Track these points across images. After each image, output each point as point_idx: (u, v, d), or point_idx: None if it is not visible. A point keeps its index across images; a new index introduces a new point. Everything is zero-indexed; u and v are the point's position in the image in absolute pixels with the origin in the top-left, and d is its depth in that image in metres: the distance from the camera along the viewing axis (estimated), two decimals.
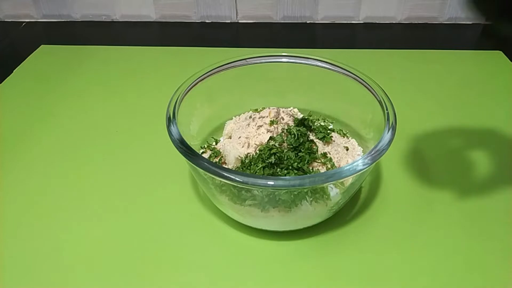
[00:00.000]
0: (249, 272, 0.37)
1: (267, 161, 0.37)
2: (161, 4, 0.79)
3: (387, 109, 0.39)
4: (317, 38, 0.76)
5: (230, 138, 0.42)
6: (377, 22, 0.78)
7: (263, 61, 0.47)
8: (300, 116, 0.44)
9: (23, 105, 0.58)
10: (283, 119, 0.40)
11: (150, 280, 0.36)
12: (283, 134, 0.39)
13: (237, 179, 0.33)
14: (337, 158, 0.40)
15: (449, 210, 0.42)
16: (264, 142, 0.38)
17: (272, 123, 0.40)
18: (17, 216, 0.42)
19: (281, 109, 0.42)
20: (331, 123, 0.46)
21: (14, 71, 0.65)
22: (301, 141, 0.38)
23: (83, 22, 0.81)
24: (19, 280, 0.37)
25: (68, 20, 0.81)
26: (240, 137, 0.40)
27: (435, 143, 0.50)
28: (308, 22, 0.79)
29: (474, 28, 0.76)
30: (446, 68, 0.64)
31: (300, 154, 0.37)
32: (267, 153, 0.37)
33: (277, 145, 0.38)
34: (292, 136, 0.38)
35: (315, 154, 0.38)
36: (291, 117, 0.41)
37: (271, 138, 0.38)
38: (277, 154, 0.37)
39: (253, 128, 0.40)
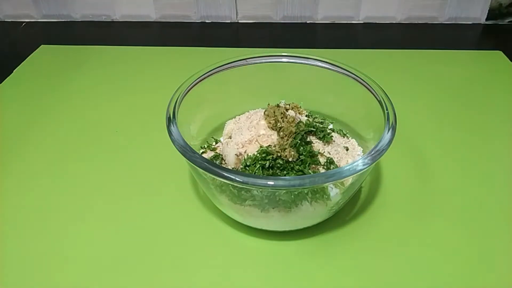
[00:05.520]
0: (249, 272, 0.37)
1: (264, 163, 0.37)
2: (161, 4, 0.79)
3: (387, 109, 0.39)
4: (317, 38, 0.76)
5: (230, 138, 0.42)
6: (377, 22, 0.78)
7: (263, 61, 0.47)
8: (303, 113, 0.44)
9: (23, 105, 0.58)
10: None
11: (150, 280, 0.36)
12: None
13: (237, 179, 0.33)
14: (337, 158, 0.40)
15: (449, 210, 0.42)
16: (264, 143, 0.38)
17: (273, 123, 0.39)
18: (16, 216, 0.42)
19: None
20: (331, 123, 0.46)
21: (14, 71, 0.65)
22: (300, 149, 0.38)
23: (83, 22, 0.81)
24: (19, 280, 0.37)
25: (68, 20, 0.81)
26: (240, 138, 0.40)
27: (435, 143, 0.50)
28: (308, 22, 0.79)
29: (474, 28, 0.76)
30: (446, 68, 0.64)
31: (301, 157, 0.37)
32: (265, 156, 0.37)
33: (278, 150, 0.38)
34: (294, 144, 0.38)
35: (316, 156, 0.38)
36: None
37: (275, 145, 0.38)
38: (276, 160, 0.37)
39: (253, 128, 0.40)
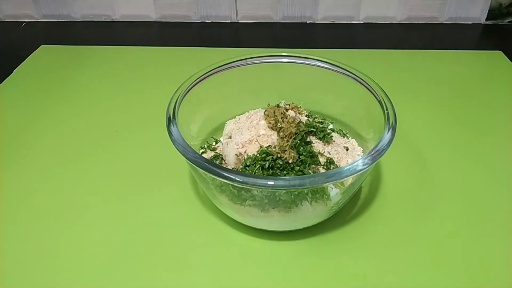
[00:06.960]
0: (249, 272, 0.37)
1: (263, 163, 0.37)
2: (161, 4, 0.79)
3: (387, 109, 0.39)
4: (317, 38, 0.76)
5: (230, 138, 0.42)
6: (377, 22, 0.78)
7: (263, 61, 0.47)
8: (303, 113, 0.44)
9: (23, 105, 0.58)
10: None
11: (150, 280, 0.36)
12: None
13: (237, 179, 0.33)
14: (337, 158, 0.40)
15: (449, 210, 0.42)
16: (264, 143, 0.38)
17: (273, 123, 0.39)
18: (16, 215, 0.42)
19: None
20: (331, 123, 0.46)
21: (14, 71, 0.65)
22: (300, 149, 0.38)
23: (83, 22, 0.81)
24: (18, 280, 0.37)
25: (68, 20, 0.81)
26: (240, 138, 0.40)
27: (435, 143, 0.50)
28: (308, 22, 0.79)
29: (474, 28, 0.76)
30: (446, 68, 0.64)
31: (301, 157, 0.37)
32: (265, 156, 0.37)
33: (278, 150, 0.37)
34: (294, 144, 0.38)
35: (316, 156, 0.38)
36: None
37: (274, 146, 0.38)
38: (276, 160, 0.37)
39: (253, 128, 0.40)
